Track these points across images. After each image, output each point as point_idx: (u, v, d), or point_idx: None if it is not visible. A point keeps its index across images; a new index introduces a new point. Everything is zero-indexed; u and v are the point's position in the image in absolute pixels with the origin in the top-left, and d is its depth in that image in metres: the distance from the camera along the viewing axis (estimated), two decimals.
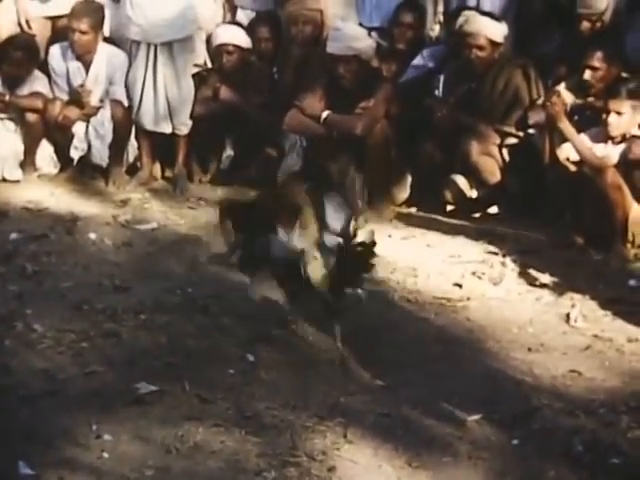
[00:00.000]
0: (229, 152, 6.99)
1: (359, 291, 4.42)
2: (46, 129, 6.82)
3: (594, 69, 5.99)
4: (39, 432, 3.88)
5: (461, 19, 6.33)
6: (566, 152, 5.81)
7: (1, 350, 4.54)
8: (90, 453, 3.78)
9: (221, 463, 3.76)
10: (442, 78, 6.49)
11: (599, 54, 5.97)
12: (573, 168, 5.78)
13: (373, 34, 6.56)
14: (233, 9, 7.19)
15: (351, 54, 6.33)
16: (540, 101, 6.19)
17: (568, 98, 6.05)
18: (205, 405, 4.11)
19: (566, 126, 5.80)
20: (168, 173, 7.03)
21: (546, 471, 3.72)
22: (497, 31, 6.31)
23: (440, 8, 6.87)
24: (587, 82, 6.01)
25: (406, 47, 6.71)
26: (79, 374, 4.35)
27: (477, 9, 6.47)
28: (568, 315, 4.99)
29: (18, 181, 6.82)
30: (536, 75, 6.30)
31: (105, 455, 3.77)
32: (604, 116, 5.75)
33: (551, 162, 5.96)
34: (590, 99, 6.07)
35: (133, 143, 6.94)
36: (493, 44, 6.30)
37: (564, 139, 5.82)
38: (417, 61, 6.66)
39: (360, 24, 6.79)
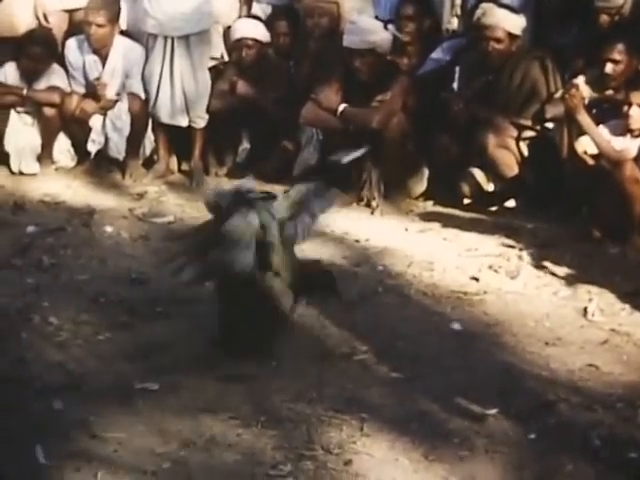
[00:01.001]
0: (245, 145, 6.98)
1: None
2: (63, 122, 6.83)
3: (615, 62, 5.95)
4: (55, 424, 3.89)
5: (479, 11, 6.30)
6: (584, 145, 5.78)
7: (18, 343, 4.55)
8: (107, 445, 3.79)
9: (237, 456, 3.76)
10: (458, 71, 6.47)
11: (620, 47, 5.94)
12: (591, 161, 5.75)
13: (389, 27, 6.54)
14: (249, 2, 7.18)
15: (367, 47, 6.31)
16: (558, 94, 6.16)
17: (586, 91, 6.01)
18: (221, 398, 4.11)
19: (584, 119, 5.77)
20: (185, 166, 7.03)
21: (563, 465, 3.71)
22: (515, 23, 6.29)
23: (458, 1, 6.84)
24: (609, 75, 5.97)
25: (411, 39, 6.68)
26: (95, 367, 4.36)
27: (495, 1, 6.44)
28: (585, 309, 4.97)
29: (35, 174, 6.83)
30: (554, 68, 6.27)
31: (121, 447, 3.78)
32: (625, 109, 5.72)
33: (569, 155, 5.94)
34: (609, 92, 6.04)
35: (150, 136, 6.94)
36: (511, 37, 6.27)
37: (582, 132, 5.79)
38: (436, 54, 6.64)
39: (376, 17, 6.77)
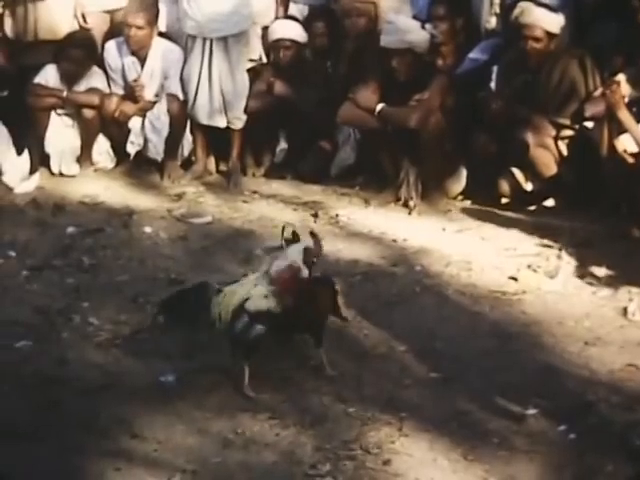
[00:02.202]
0: (283, 146, 6.99)
1: None
2: (103, 124, 6.87)
3: None
4: (95, 424, 3.92)
5: (517, 10, 6.26)
6: (624, 143, 5.74)
7: (58, 343, 4.59)
8: (146, 444, 3.81)
9: (276, 456, 3.77)
10: (496, 70, 6.44)
11: None
12: (631, 160, 5.71)
13: (427, 26, 6.52)
14: (286, 3, 7.19)
15: (404, 47, 6.30)
16: (597, 92, 6.12)
17: (626, 89, 5.97)
18: (260, 398, 4.12)
19: (625, 116, 5.72)
20: (222, 167, 7.04)
21: (603, 465, 3.70)
22: (553, 22, 6.25)
23: (496, 0, 6.81)
24: None
25: (444, 39, 6.64)
26: (135, 366, 4.39)
27: (534, 0, 6.41)
28: (625, 309, 4.94)
29: (75, 175, 6.87)
30: (593, 67, 6.22)
31: (161, 447, 3.80)
32: None
33: (608, 154, 5.89)
34: None
35: (188, 137, 6.97)
36: (549, 35, 6.23)
37: (622, 130, 5.75)
38: (474, 54, 6.61)
39: (414, 17, 6.76)
